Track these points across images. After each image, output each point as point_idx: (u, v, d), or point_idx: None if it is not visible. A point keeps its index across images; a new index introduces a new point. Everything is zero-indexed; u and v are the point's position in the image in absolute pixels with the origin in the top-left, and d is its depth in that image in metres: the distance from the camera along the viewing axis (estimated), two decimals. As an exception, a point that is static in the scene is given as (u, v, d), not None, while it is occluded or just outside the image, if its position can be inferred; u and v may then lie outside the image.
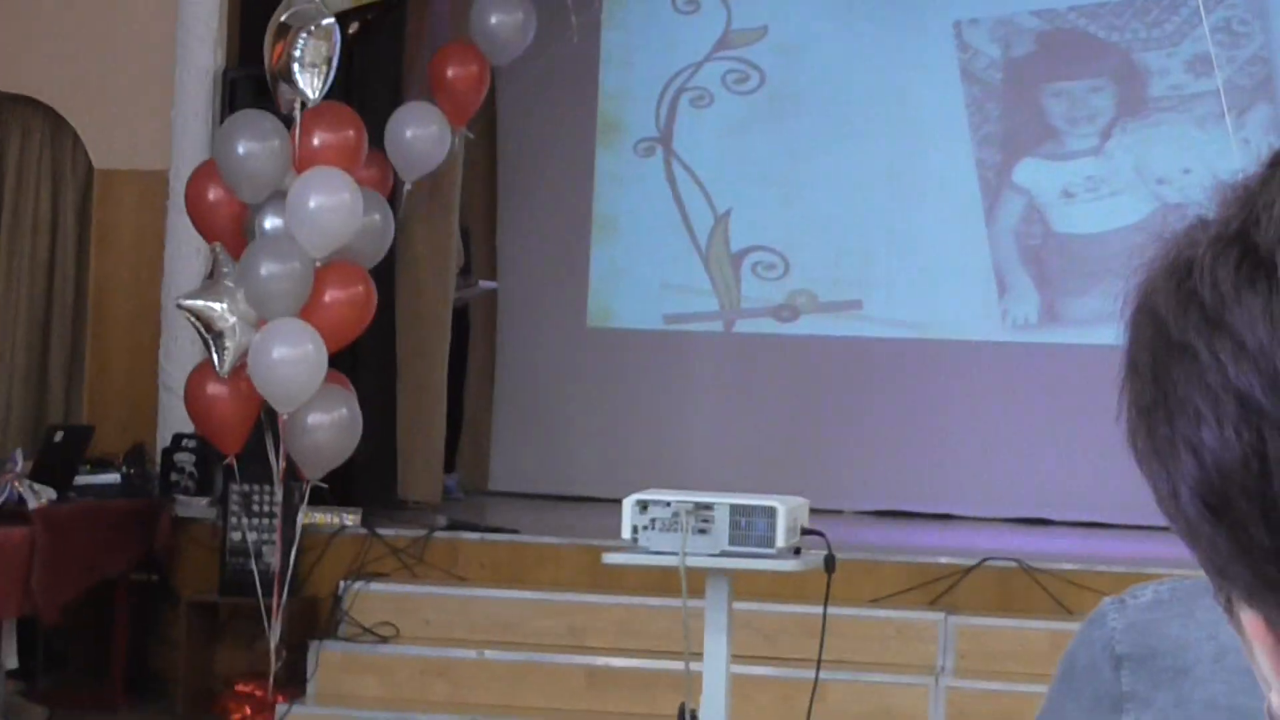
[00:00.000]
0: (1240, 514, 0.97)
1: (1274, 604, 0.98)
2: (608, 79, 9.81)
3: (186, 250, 8.13)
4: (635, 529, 5.34)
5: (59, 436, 7.61)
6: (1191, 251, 1.01)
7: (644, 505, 5.36)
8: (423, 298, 8.66)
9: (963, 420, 9.27)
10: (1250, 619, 1.01)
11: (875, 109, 9.44)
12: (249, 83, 8.13)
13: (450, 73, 8.28)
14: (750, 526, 5.29)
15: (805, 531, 5.40)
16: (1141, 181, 9.04)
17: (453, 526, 7.93)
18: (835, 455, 9.27)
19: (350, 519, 7.76)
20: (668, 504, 5.34)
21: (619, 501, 8.54)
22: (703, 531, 5.30)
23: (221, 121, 8.04)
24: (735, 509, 5.29)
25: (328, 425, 7.29)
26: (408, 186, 8.23)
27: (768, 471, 8.76)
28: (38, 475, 7.24)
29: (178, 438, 7.90)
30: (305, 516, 7.47)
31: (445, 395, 8.75)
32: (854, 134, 9.46)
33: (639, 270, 9.74)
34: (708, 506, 5.31)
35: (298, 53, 7.43)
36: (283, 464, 7.31)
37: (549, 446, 9.70)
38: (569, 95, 9.72)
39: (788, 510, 5.31)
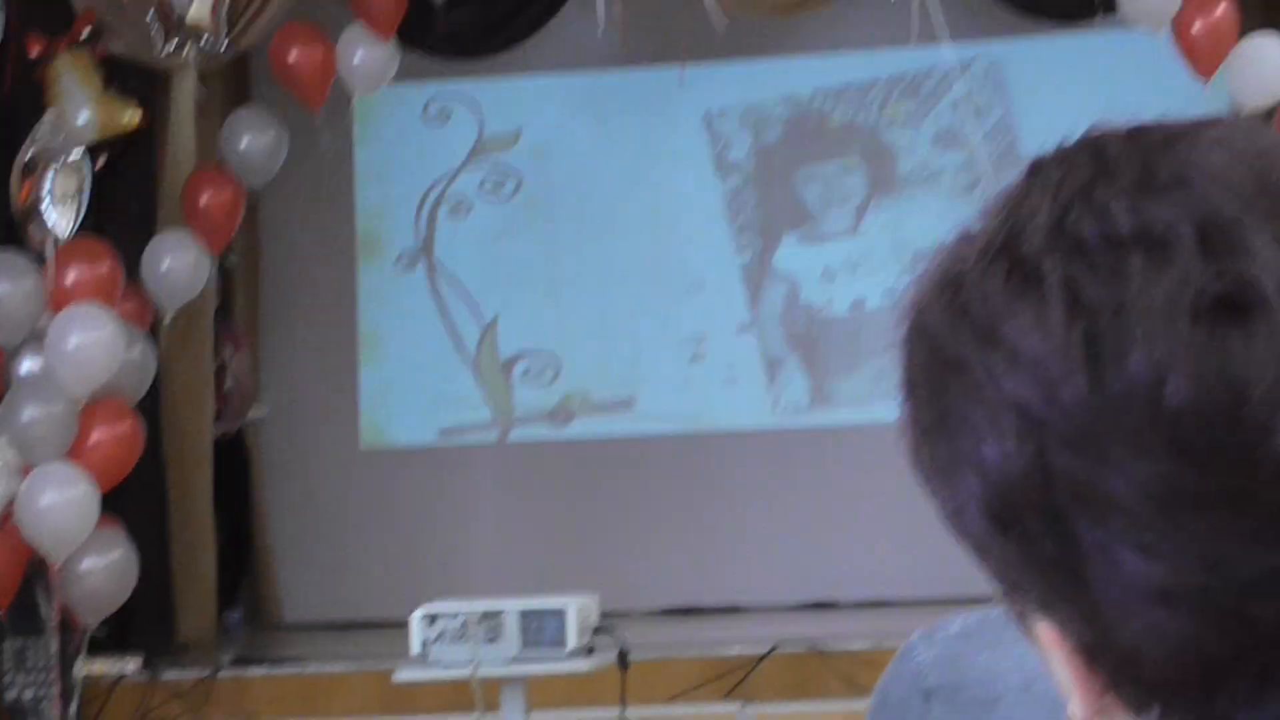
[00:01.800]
0: (1027, 526, 0.97)
1: (1066, 613, 0.99)
2: (364, 195, 9.75)
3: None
4: (424, 643, 5.27)
5: None
6: (960, 266, 1.02)
7: (432, 618, 5.29)
8: (187, 430, 8.49)
9: (743, 510, 9.28)
10: (1045, 629, 1.01)
11: (634, 204, 9.49)
12: (-4, 223, 7.96)
13: (204, 199, 8.19)
14: (541, 630, 5.25)
15: (597, 630, 5.36)
16: (898, 258, 9.16)
17: (238, 663, 7.75)
18: (620, 556, 9.22)
19: (130, 665, 7.54)
20: (455, 615, 5.28)
21: (403, 624, 8.47)
22: (492, 640, 5.24)
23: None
24: (525, 614, 5.25)
25: (102, 569, 7.11)
26: (168, 318, 8.10)
27: (554, 577, 8.67)
28: None
29: (-57, 595, 7.63)
30: (84, 667, 7.25)
31: (214, 528, 8.57)
32: (615, 231, 9.50)
33: (409, 385, 9.65)
34: (496, 613, 5.25)
35: (47, 188, 7.30)
36: (57, 614, 7.09)
37: (334, 572, 9.53)
38: (327, 213, 9.64)
39: (577, 610, 5.27)
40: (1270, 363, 0.94)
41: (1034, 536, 0.98)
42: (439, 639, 5.24)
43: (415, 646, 5.26)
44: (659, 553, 9.26)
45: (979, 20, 8.72)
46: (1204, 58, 7.42)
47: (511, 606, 5.28)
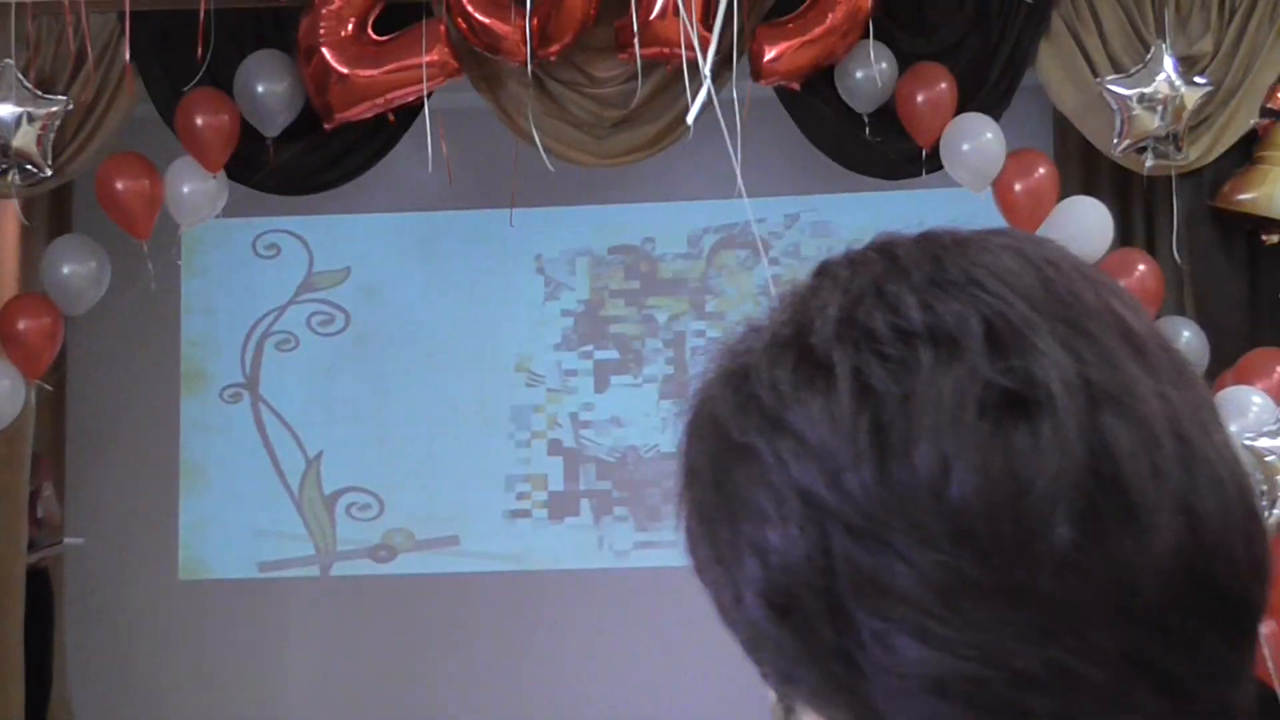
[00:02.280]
0: (807, 612, 0.97)
1: (841, 704, 0.98)
2: (190, 326, 9.69)
3: None
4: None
5: None
6: (747, 358, 1.03)
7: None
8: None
9: (569, 647, 9.30)
10: None
11: (462, 344, 9.52)
12: None
13: (21, 325, 8.09)
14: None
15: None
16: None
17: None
18: (441, 692, 9.18)
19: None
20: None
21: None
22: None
23: None
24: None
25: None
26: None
27: (373, 712, 8.64)
28: None
29: None
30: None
31: (22, 665, 8.37)
32: (441, 369, 9.52)
33: (231, 519, 9.56)
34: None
35: None
36: None
37: (146, 708, 9.37)
38: (150, 344, 9.57)
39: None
40: (1052, 460, 0.94)
41: (813, 624, 0.97)
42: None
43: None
44: (481, 689, 9.23)
45: (809, 175, 8.92)
46: (1025, 217, 7.63)
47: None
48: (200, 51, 7.85)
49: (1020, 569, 0.94)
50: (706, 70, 6.07)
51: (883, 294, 1.01)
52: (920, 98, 7.68)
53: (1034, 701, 0.95)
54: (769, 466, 0.99)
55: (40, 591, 8.86)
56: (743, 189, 7.77)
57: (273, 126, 8.05)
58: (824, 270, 1.07)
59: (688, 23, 7.25)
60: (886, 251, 1.05)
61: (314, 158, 8.22)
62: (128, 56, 7.87)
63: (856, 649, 0.96)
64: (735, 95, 7.17)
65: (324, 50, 7.80)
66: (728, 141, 6.37)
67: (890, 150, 7.77)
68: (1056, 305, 1.00)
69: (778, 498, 0.98)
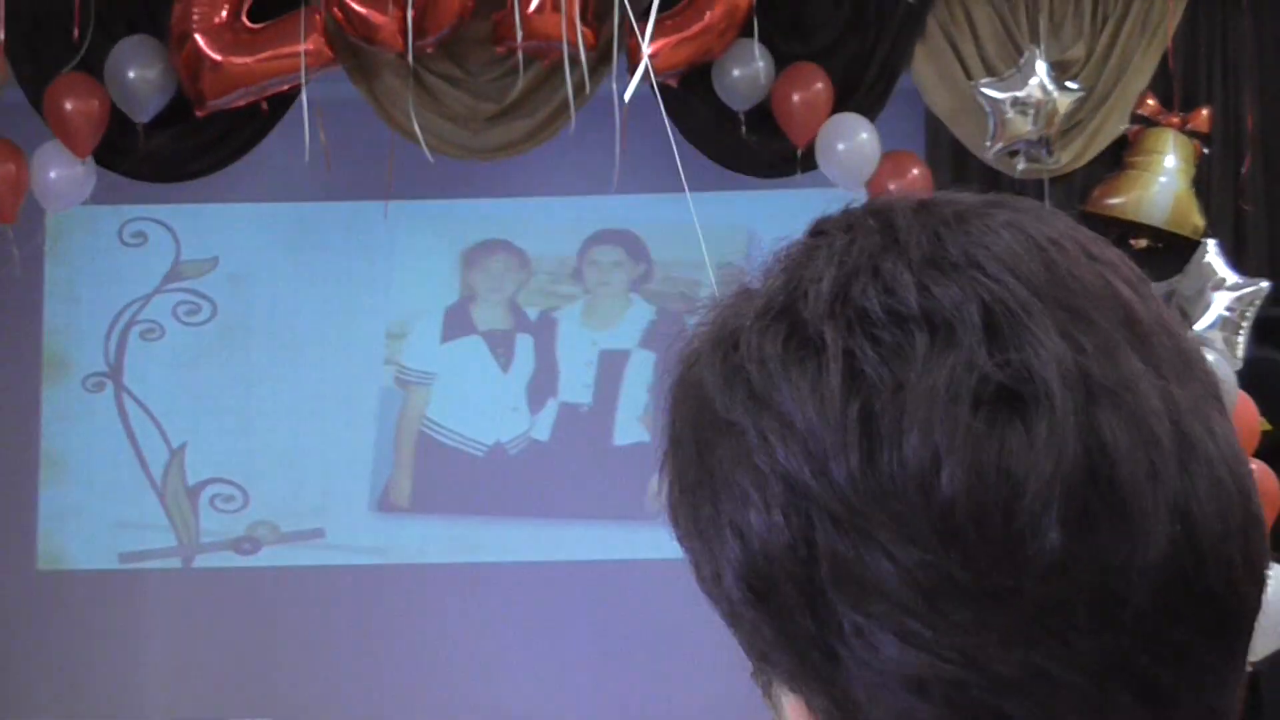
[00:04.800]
0: (785, 599, 0.95)
1: (817, 689, 0.97)
2: (52, 313, 9.54)
3: None
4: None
5: None
6: (738, 323, 0.99)
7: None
8: None
9: (433, 641, 9.27)
10: (792, 703, 1.00)
11: (330, 336, 9.46)
12: None
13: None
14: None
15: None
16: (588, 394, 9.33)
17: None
18: (303, 686, 9.12)
19: None
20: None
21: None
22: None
23: None
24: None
25: None
26: None
27: (232, 704, 8.58)
28: None
29: None
30: None
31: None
32: (308, 362, 9.45)
33: (91, 509, 9.42)
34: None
35: None
36: None
37: (2, 699, 9.22)
38: (10, 330, 9.42)
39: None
40: (1047, 460, 0.91)
41: (791, 611, 0.94)
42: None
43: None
44: (341, 680, 9.18)
45: (684, 173, 8.94)
46: (899, 214, 7.73)
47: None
48: (76, 34, 7.75)
49: (1007, 572, 0.91)
50: (646, 51, 6.10)
51: (879, 272, 0.97)
52: (796, 97, 7.76)
53: (1013, 705, 0.92)
54: (753, 447, 0.96)
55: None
56: (623, 184, 7.82)
57: (143, 113, 7.97)
58: (820, 230, 1.03)
59: (572, 18, 7.27)
60: (885, 220, 1.01)
61: (185, 145, 8.14)
62: (2, 37, 7.75)
63: (835, 640, 0.94)
64: (615, 89, 7.21)
65: (196, 36, 7.74)
66: (616, 137, 6.40)
67: (765, 149, 7.83)
68: (1058, 290, 0.96)
69: (761, 481, 0.95)
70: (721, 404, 0.98)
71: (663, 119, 7.98)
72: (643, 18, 7.29)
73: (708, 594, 1.01)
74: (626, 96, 5.94)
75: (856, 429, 0.93)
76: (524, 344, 9.53)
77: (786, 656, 0.97)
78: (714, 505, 0.99)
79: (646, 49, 5.96)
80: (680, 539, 1.03)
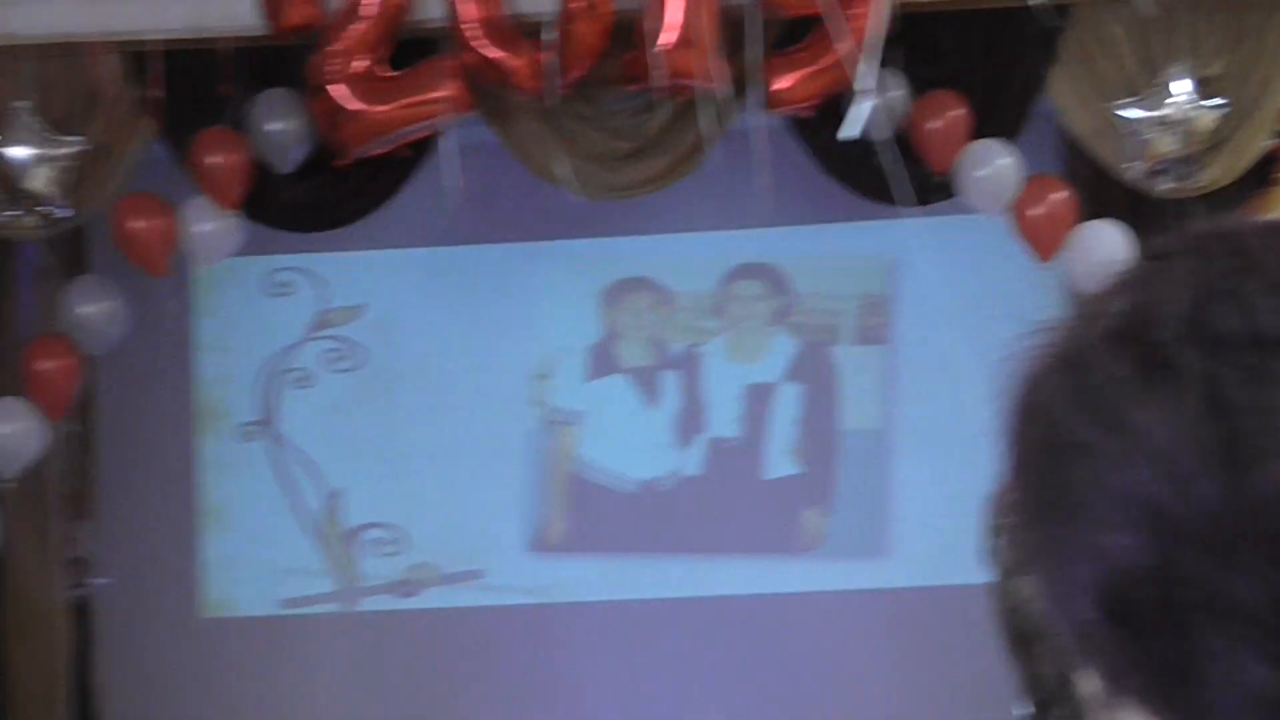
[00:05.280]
0: (1143, 621, 0.94)
1: (1170, 711, 0.95)
2: (205, 365, 9.69)
3: None
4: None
5: None
6: (1083, 346, 0.98)
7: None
8: (34, 599, 8.33)
9: (595, 679, 9.30)
10: None
11: (477, 378, 9.52)
12: None
13: (42, 365, 8.11)
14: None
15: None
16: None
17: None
18: (467, 726, 9.19)
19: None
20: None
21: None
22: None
23: None
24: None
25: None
26: (7, 484, 7.99)
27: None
28: None
29: None
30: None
31: (64, 698, 8.38)
32: (457, 404, 9.51)
33: (252, 556, 9.56)
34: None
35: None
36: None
37: (172, 744, 9.40)
38: (167, 383, 9.58)
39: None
40: None
41: (1149, 632, 0.93)
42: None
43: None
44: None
45: (820, 204, 8.92)
46: (1043, 242, 7.65)
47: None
48: (225, 88, 7.87)
49: None
50: (864, 84, 6.08)
51: (1236, 295, 0.95)
52: (933, 124, 7.70)
53: None
54: (1110, 469, 0.95)
55: (83, 629, 8.88)
56: (763, 218, 7.79)
57: (285, 164, 8.07)
58: (1159, 254, 1.01)
59: (704, 55, 7.27)
60: (1236, 243, 0.98)
61: (327, 194, 8.25)
62: (149, 95, 7.89)
63: (1195, 663, 0.93)
64: (752, 125, 7.20)
65: (335, 87, 7.82)
66: (755, 171, 6.38)
67: (904, 177, 7.77)
68: None
69: (1119, 503, 0.94)
70: (1073, 426, 0.97)
71: (799, 151, 7.96)
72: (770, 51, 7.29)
73: (1053, 614, 0.99)
74: (851, 132, 5.89)
75: (1220, 450, 0.91)
76: (669, 380, 9.53)
77: (1141, 678, 0.96)
78: (1064, 528, 0.97)
79: (863, 84, 5.93)
80: (1027, 561, 1.03)
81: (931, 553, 9.09)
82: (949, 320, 9.18)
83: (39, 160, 7.76)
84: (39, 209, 7.87)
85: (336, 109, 7.82)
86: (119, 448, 9.58)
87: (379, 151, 7.99)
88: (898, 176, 7.72)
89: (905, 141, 7.76)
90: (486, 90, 7.90)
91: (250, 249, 8.50)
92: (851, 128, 7.38)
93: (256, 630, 9.55)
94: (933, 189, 7.78)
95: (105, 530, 9.44)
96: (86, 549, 9.15)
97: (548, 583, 9.48)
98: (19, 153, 7.75)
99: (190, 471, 9.63)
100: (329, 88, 7.81)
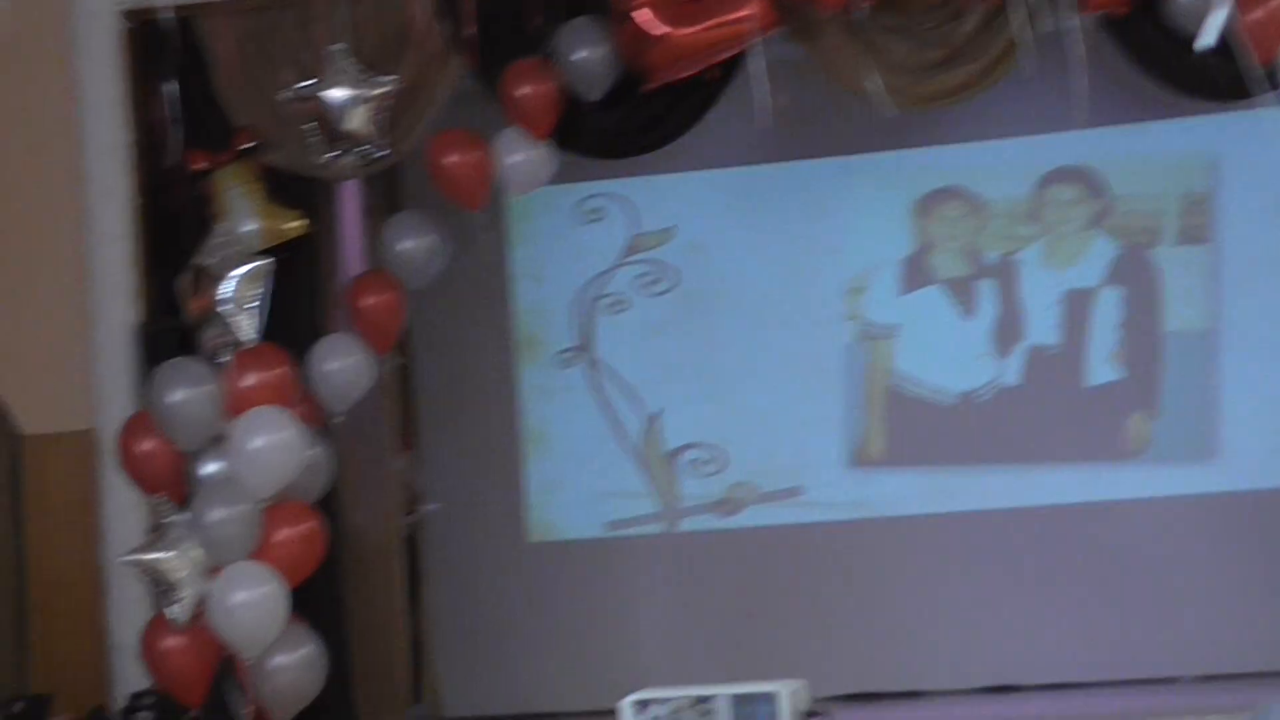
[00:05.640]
0: None
1: None
2: (521, 294, 9.85)
3: (122, 505, 8.04)
4: (636, 730, 5.29)
5: (19, 707, 7.46)
6: None
7: (642, 704, 5.30)
8: (365, 529, 8.57)
9: (917, 594, 9.28)
10: None
11: (791, 294, 9.53)
12: (168, 334, 8.09)
13: (366, 301, 8.29)
14: (753, 715, 5.26)
15: (808, 715, 5.37)
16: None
17: (424, 757, 7.81)
18: (792, 643, 9.22)
19: (320, 760, 7.62)
20: (666, 700, 5.29)
21: (581, 715, 8.49)
22: (705, 725, 5.25)
23: (143, 374, 7.99)
24: (736, 699, 5.27)
25: (292, 666, 7.19)
26: (339, 418, 8.20)
27: (727, 667, 8.68)
28: (-3, 750, 7.10)
29: (135, 697, 7.74)
30: (273, 761, 7.33)
31: (401, 627, 8.61)
32: (771, 321, 9.54)
33: (575, 480, 9.72)
34: (708, 699, 5.27)
35: (230, 296, 7.42)
36: (249, 710, 7.18)
37: (502, 665, 9.59)
38: (485, 313, 9.77)
39: (789, 694, 5.28)
40: None
41: None
42: (650, 725, 5.26)
43: (627, 733, 5.28)
44: (833, 638, 9.26)
45: (1126, 104, 8.75)
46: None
47: (723, 692, 5.29)
48: (534, 20, 7.95)
49: None
50: None
51: None
52: (1256, 15, 7.47)
53: None
54: None
55: (413, 557, 9.12)
56: (1078, 119, 7.66)
57: (593, 92, 8.13)
58: None
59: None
60: None
61: (635, 120, 8.28)
62: (460, 32, 8.01)
63: None
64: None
65: (640, 12, 7.85)
66: (1070, 70, 6.28)
67: (1225, 71, 7.57)
68: None
69: None
70: None
71: (1112, 50, 7.80)
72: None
73: None
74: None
75: None
76: (985, 290, 9.44)
77: None
78: None
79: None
80: None
81: (1263, 454, 8.91)
82: (1275, 215, 8.97)
83: (356, 101, 7.91)
84: (358, 149, 8.03)
85: (642, 34, 7.86)
86: (441, 379, 9.80)
87: (686, 75, 8.00)
88: (1217, 70, 7.52)
89: (1226, 35, 7.54)
90: (791, 7, 7.86)
91: (560, 177, 8.58)
92: (1208, 36, 7.21)
93: (580, 553, 9.71)
94: (1255, 81, 7.56)
95: (430, 461, 9.66)
96: (414, 479, 9.38)
97: (867, 498, 9.48)
98: (337, 95, 7.91)
99: (511, 399, 9.81)
100: (634, 14, 7.85)
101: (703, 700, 5.25)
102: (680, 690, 5.32)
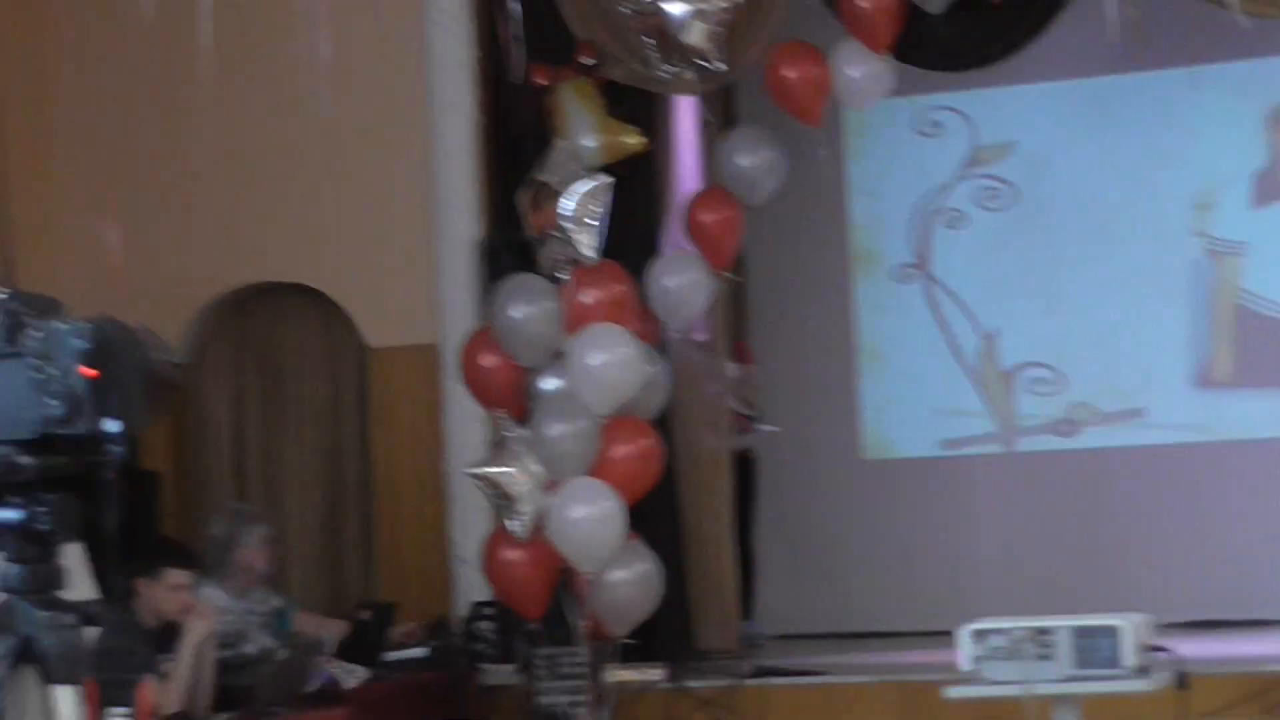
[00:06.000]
0: None
1: None
2: (856, 209, 9.79)
3: (465, 419, 8.18)
4: (974, 659, 5.22)
5: (366, 615, 7.67)
6: None
7: (981, 634, 5.23)
8: (701, 446, 8.59)
9: (1264, 521, 9.03)
10: None
11: (1136, 210, 9.31)
12: (509, 248, 8.18)
13: (704, 218, 8.28)
14: (1093, 648, 5.15)
15: (1150, 648, 5.24)
16: None
17: (759, 674, 7.83)
18: (1130, 569, 9.05)
19: (656, 675, 7.69)
20: (1005, 631, 5.21)
21: (909, 635, 8.45)
22: (1044, 658, 5.17)
23: (484, 290, 8.11)
24: (1077, 631, 5.15)
25: (630, 581, 7.27)
26: (676, 335, 8.23)
27: (1062, 593, 8.57)
28: (346, 654, 7.29)
29: (477, 606, 7.90)
30: (611, 675, 7.42)
31: (732, 542, 8.64)
32: (1114, 238, 9.34)
33: (910, 398, 9.65)
34: (1047, 631, 5.17)
35: (570, 212, 7.47)
36: (587, 624, 7.28)
37: (831, 583, 9.60)
38: (819, 228, 9.72)
39: (1132, 628, 5.16)
40: None
41: None
42: (989, 656, 5.19)
43: (965, 662, 5.21)
44: (1172, 565, 9.09)
45: None
46: None
47: (1063, 624, 5.19)
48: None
49: None
50: None
51: None
52: None
53: None
54: None
55: (745, 475, 9.15)
56: None
57: (936, 3, 7.99)
58: None
59: None
60: None
61: (979, 32, 8.13)
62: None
63: None
64: None
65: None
66: None
67: None
68: None
69: None
70: None
71: None
72: None
73: None
74: None
75: None
76: None
77: None
78: None
79: None
80: None
81: None
82: None
83: (695, 15, 7.88)
84: (696, 63, 8.00)
85: (987, -57, 7.70)
86: (775, 295, 9.78)
87: (1031, -15, 7.83)
88: None
89: None
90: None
91: (898, 90, 8.46)
92: None
93: (914, 471, 9.65)
94: None
95: (763, 377, 9.66)
96: (751, 395, 9.38)
97: (1212, 420, 9.25)
98: (676, 9, 7.88)
99: (846, 316, 9.76)
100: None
101: (1042, 632, 5.16)
102: (1019, 621, 5.23)
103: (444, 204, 8.41)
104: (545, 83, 8.18)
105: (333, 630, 7.51)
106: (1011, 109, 9.53)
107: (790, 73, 8.15)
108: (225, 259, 8.66)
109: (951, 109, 9.64)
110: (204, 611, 6.43)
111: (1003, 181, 9.58)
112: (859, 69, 8.14)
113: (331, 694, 6.96)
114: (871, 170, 9.77)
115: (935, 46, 8.14)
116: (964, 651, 5.23)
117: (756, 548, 9.40)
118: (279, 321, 8.86)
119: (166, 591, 6.37)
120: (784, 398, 9.66)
